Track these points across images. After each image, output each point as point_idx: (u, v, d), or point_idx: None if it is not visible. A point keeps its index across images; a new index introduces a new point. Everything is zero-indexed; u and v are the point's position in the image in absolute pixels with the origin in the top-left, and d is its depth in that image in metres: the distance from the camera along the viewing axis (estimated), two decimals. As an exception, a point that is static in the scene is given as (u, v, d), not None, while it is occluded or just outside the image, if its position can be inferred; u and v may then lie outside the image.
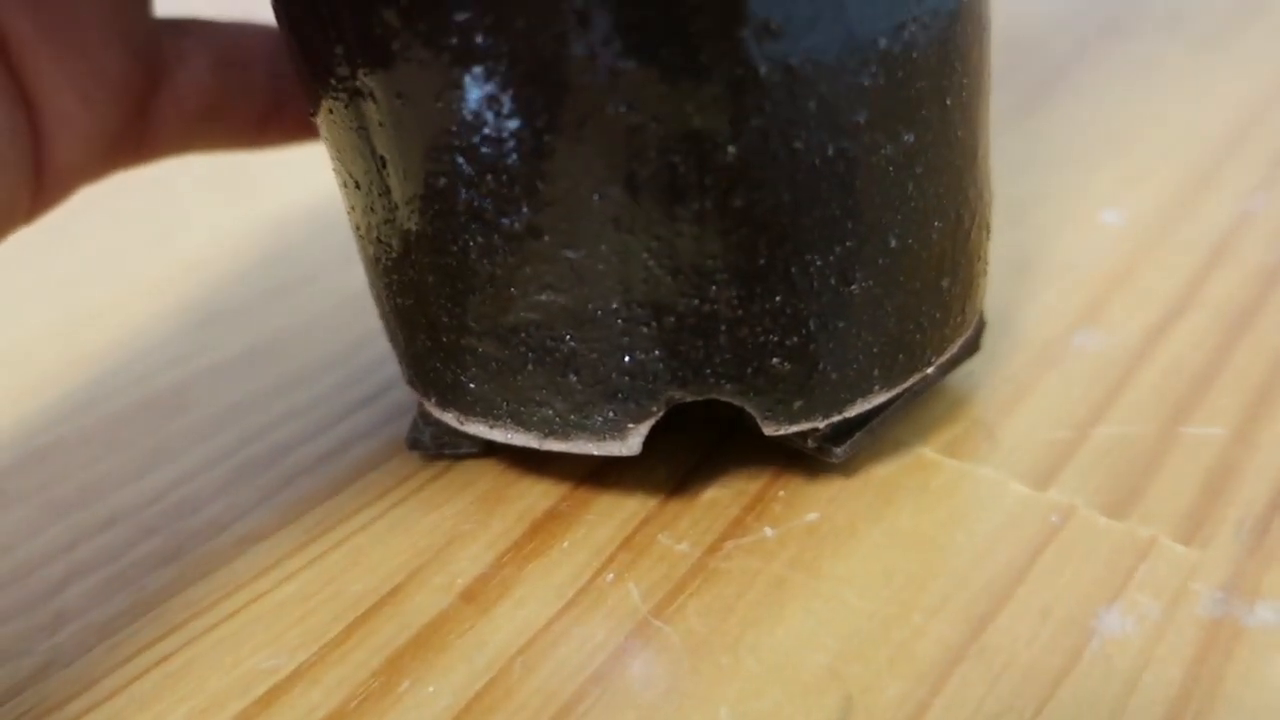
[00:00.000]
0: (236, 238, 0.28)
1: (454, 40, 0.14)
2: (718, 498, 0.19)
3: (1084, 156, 0.27)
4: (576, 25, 0.14)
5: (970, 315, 0.19)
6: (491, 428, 0.18)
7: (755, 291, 0.16)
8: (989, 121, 0.18)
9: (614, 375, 0.16)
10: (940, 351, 0.18)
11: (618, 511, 0.19)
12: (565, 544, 0.18)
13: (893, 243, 0.16)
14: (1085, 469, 0.18)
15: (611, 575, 0.18)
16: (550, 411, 0.17)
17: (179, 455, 0.21)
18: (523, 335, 0.16)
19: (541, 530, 0.19)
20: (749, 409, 0.17)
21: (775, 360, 0.16)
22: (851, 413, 0.17)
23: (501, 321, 0.16)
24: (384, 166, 0.16)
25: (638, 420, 0.17)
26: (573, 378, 0.16)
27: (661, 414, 0.17)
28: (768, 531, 0.18)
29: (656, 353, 0.16)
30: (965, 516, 0.18)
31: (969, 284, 0.18)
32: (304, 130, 0.20)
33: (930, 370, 0.18)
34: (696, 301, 0.16)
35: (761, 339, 0.16)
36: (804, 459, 0.19)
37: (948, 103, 0.16)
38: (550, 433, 0.17)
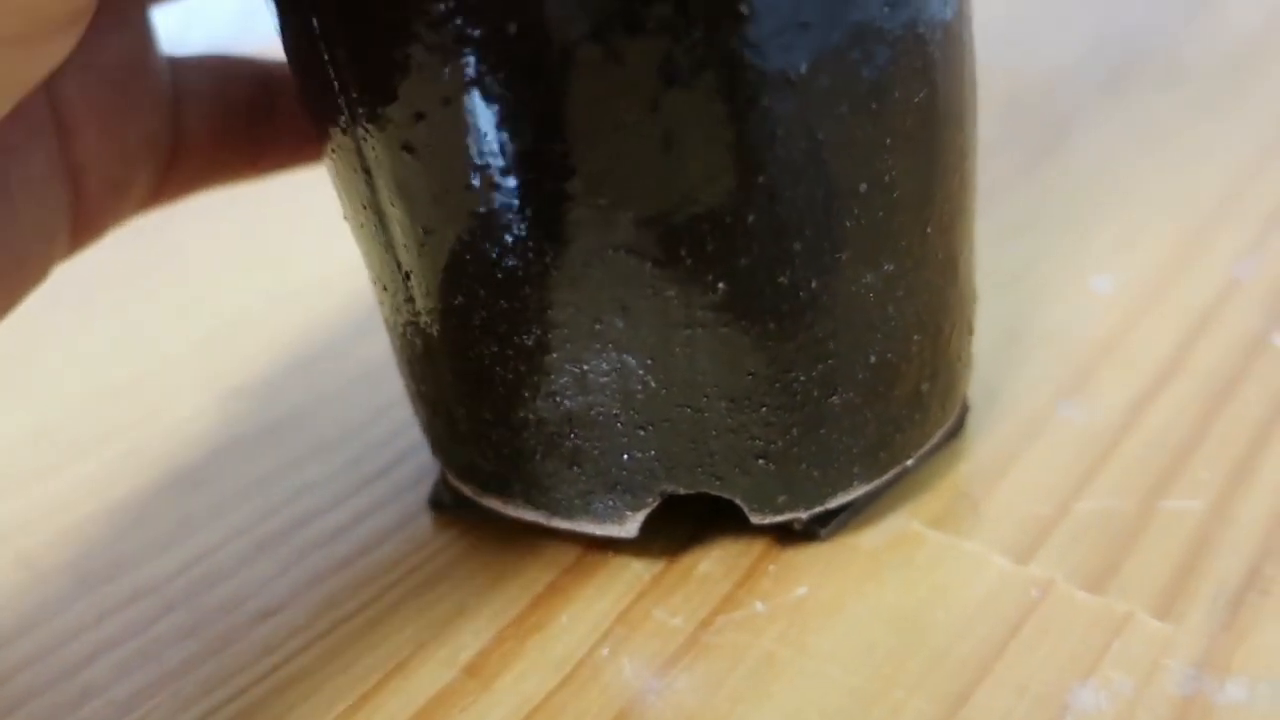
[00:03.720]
0: (257, 311, 0.30)
1: (474, 206, 0.16)
2: (711, 572, 0.19)
3: (1078, 220, 0.28)
4: (583, 188, 0.15)
5: (950, 408, 0.20)
6: (505, 504, 0.19)
7: (742, 404, 0.17)
8: (973, 228, 0.19)
9: (613, 469, 0.18)
10: (920, 445, 0.19)
11: (615, 585, 0.20)
12: (564, 618, 0.19)
13: (873, 359, 0.17)
14: (1066, 543, 0.19)
15: (607, 650, 0.18)
16: (558, 495, 0.19)
17: (201, 529, 0.22)
18: (533, 429, 0.18)
19: (542, 604, 0.19)
20: (736, 501, 0.18)
21: (760, 461, 0.18)
22: (833, 504, 0.19)
23: (513, 417, 0.18)
24: (408, 279, 0.17)
25: (635, 509, 0.18)
26: (576, 469, 0.18)
27: (657, 503, 0.18)
28: (758, 606, 0.19)
29: (652, 453, 0.18)
30: (948, 591, 0.18)
31: (950, 383, 0.19)
32: (295, 157, 0.21)
33: (910, 462, 0.19)
34: (688, 411, 0.17)
35: (748, 443, 0.17)
36: (794, 533, 0.20)
37: (928, 231, 0.17)
38: (556, 513, 0.19)
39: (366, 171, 0.17)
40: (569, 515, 0.19)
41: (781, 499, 0.18)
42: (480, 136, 0.15)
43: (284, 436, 0.25)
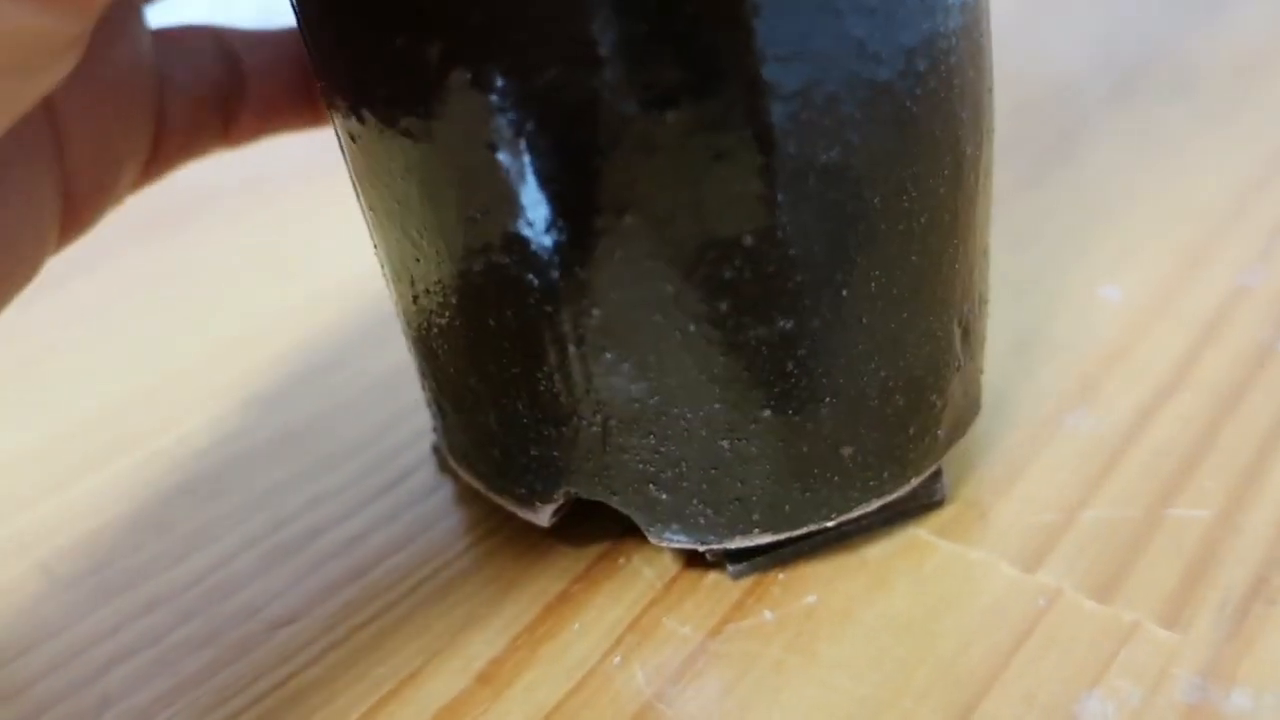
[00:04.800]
0: (270, 321, 0.30)
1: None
2: (721, 580, 0.20)
3: (1086, 229, 0.28)
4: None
5: (895, 480, 0.19)
6: (460, 468, 0.21)
7: (632, 427, 0.17)
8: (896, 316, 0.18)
9: (523, 460, 0.19)
10: (842, 510, 0.18)
11: (626, 594, 0.20)
12: (576, 626, 0.19)
13: (766, 413, 0.17)
14: (1073, 552, 0.19)
15: (619, 658, 0.19)
16: (485, 470, 0.20)
17: (217, 539, 0.23)
18: (468, 407, 0.19)
19: (554, 613, 0.20)
20: (634, 519, 0.19)
21: (652, 487, 0.18)
22: (732, 545, 0.18)
23: (456, 392, 0.19)
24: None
25: (544, 501, 0.19)
26: (496, 452, 0.19)
27: (563, 502, 0.19)
28: (767, 614, 0.19)
29: (555, 453, 0.18)
30: (956, 600, 0.19)
31: (885, 454, 0.18)
32: (264, 126, 0.21)
33: (830, 524, 0.18)
34: (585, 421, 0.18)
35: (640, 467, 0.18)
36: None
37: (844, 294, 0.17)
38: (489, 488, 0.20)
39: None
40: (498, 491, 0.20)
41: (674, 527, 0.18)
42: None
43: (298, 447, 0.25)
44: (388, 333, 0.27)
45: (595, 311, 0.16)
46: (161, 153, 0.19)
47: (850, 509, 0.18)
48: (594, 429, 0.17)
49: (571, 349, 0.17)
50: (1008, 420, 0.22)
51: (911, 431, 0.18)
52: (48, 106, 0.17)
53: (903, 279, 0.17)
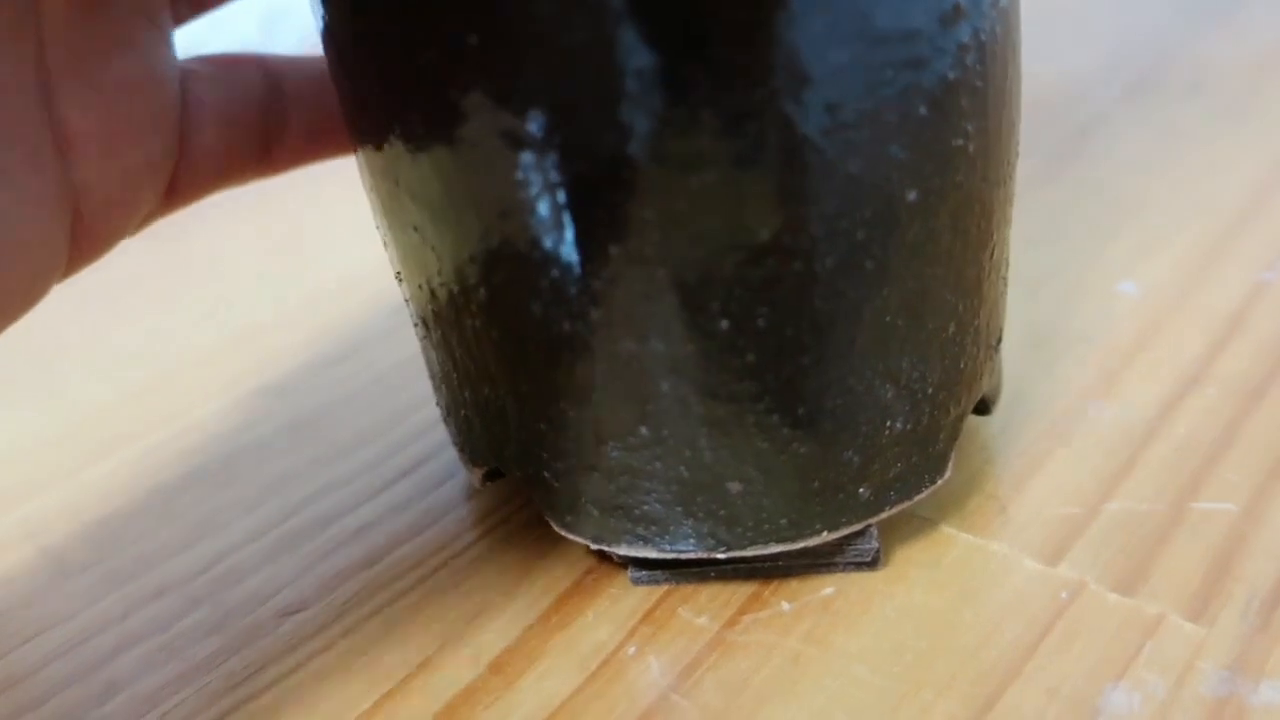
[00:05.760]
0: (281, 312, 0.30)
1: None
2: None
3: (1103, 226, 0.28)
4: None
5: (797, 528, 0.18)
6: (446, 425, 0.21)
7: (523, 410, 0.18)
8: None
9: (455, 427, 0.20)
10: (740, 545, 0.18)
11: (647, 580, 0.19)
12: (590, 616, 0.19)
13: (644, 429, 0.17)
14: (1096, 545, 0.19)
15: (633, 648, 0.18)
16: (446, 430, 0.21)
17: (226, 526, 0.22)
18: (434, 378, 0.20)
19: (567, 602, 0.19)
20: (536, 500, 0.19)
21: (547, 474, 0.18)
22: (621, 550, 0.18)
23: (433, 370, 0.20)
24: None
25: (474, 465, 0.20)
26: (448, 419, 0.20)
27: (489, 469, 0.19)
28: (784, 606, 0.19)
29: (478, 421, 0.19)
30: (977, 592, 0.18)
31: (784, 499, 0.17)
32: (305, 153, 0.21)
33: (722, 555, 0.18)
34: (488, 391, 0.18)
35: (535, 451, 0.18)
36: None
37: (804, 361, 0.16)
38: (454, 443, 0.21)
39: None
40: (458, 450, 0.20)
41: (568, 518, 0.18)
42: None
43: (308, 436, 0.25)
44: (398, 324, 0.27)
45: (482, 291, 0.16)
46: (192, 175, 0.19)
47: (743, 545, 0.18)
48: (499, 402, 0.18)
49: (469, 322, 0.17)
50: (1028, 412, 0.22)
51: (816, 485, 0.17)
52: (52, 114, 0.16)
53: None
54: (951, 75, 0.15)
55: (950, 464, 0.18)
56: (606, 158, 0.15)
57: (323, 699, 0.18)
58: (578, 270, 0.15)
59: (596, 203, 0.15)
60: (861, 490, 0.18)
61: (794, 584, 0.19)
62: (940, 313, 0.17)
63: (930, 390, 0.17)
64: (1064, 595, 0.18)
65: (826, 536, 0.18)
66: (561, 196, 0.15)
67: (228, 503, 0.23)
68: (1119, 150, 0.31)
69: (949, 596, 0.18)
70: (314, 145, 0.20)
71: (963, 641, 0.17)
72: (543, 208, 0.15)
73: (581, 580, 0.20)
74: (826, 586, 0.19)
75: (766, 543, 0.18)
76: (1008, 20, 0.16)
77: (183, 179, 0.19)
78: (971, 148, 0.16)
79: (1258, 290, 0.24)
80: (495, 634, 0.19)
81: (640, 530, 0.18)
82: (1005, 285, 0.19)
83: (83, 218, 0.17)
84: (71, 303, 0.31)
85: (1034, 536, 0.19)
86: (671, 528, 0.18)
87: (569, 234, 0.15)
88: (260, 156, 0.20)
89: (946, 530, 0.20)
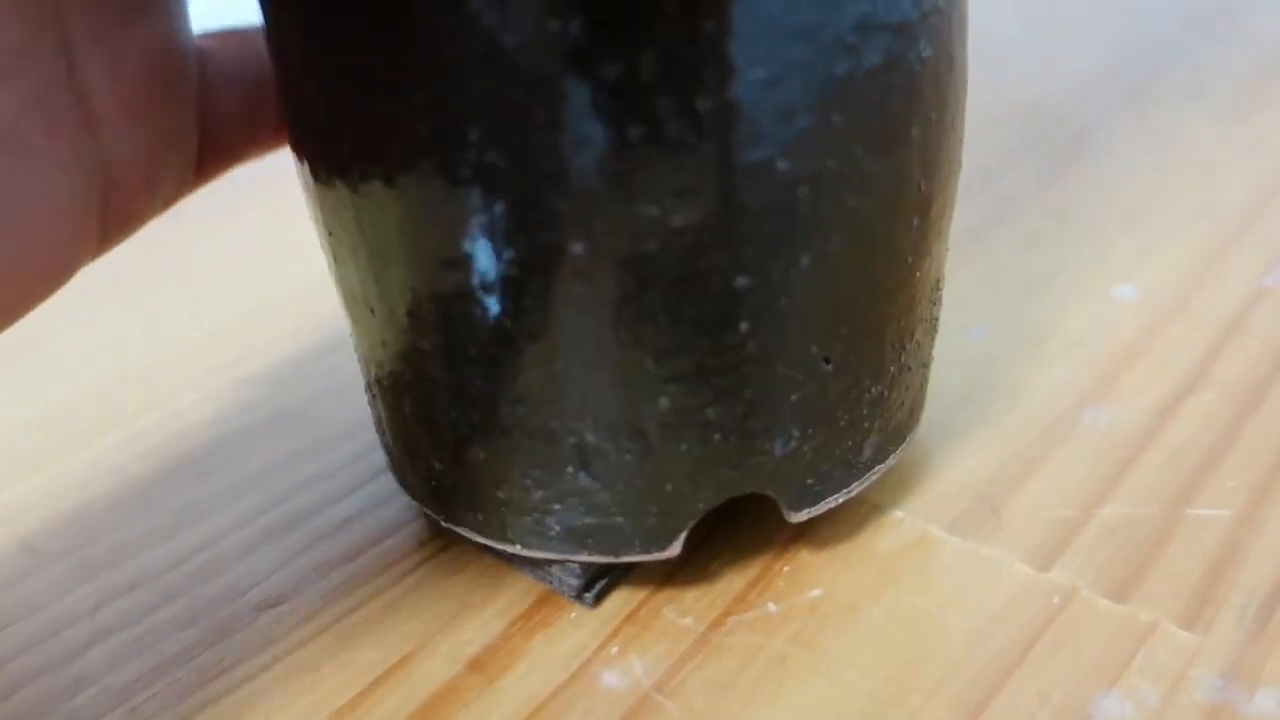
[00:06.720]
0: (269, 303, 0.29)
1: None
2: (723, 571, 0.19)
3: (1101, 229, 0.27)
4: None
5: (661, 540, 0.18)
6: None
7: (422, 394, 0.18)
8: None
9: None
10: (618, 552, 0.18)
11: (625, 582, 0.19)
12: (572, 615, 0.19)
13: (521, 411, 0.17)
14: (1089, 550, 0.18)
15: (616, 648, 0.18)
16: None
17: (205, 518, 0.22)
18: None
19: (549, 601, 0.19)
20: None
21: (438, 465, 0.18)
22: (519, 550, 0.18)
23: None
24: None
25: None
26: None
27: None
28: (771, 607, 0.18)
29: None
30: (966, 596, 0.18)
31: (662, 505, 0.17)
32: None
33: (619, 560, 0.18)
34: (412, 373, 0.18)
35: (438, 435, 0.18)
36: (810, 534, 0.19)
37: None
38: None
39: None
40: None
41: (467, 515, 0.18)
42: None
43: (291, 428, 0.24)
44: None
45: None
46: (217, 146, 0.19)
47: (617, 553, 0.18)
48: (423, 383, 0.18)
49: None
50: (1021, 416, 0.21)
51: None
52: (77, 86, 0.16)
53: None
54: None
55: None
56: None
57: (298, 695, 0.18)
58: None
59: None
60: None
61: (780, 585, 0.19)
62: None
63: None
64: (1056, 600, 0.17)
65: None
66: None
67: (208, 494, 0.23)
68: (1118, 154, 0.31)
69: (938, 600, 0.18)
70: None
71: (951, 646, 0.17)
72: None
73: (565, 578, 0.19)
74: (813, 589, 0.18)
75: (620, 555, 0.18)
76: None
77: (208, 150, 0.19)
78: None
79: (1256, 295, 0.24)
80: (476, 631, 0.19)
81: (537, 524, 0.18)
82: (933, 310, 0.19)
83: (111, 193, 0.17)
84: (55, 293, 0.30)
85: (1026, 541, 0.19)
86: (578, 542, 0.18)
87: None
88: (282, 125, 0.20)
89: (936, 533, 0.19)
